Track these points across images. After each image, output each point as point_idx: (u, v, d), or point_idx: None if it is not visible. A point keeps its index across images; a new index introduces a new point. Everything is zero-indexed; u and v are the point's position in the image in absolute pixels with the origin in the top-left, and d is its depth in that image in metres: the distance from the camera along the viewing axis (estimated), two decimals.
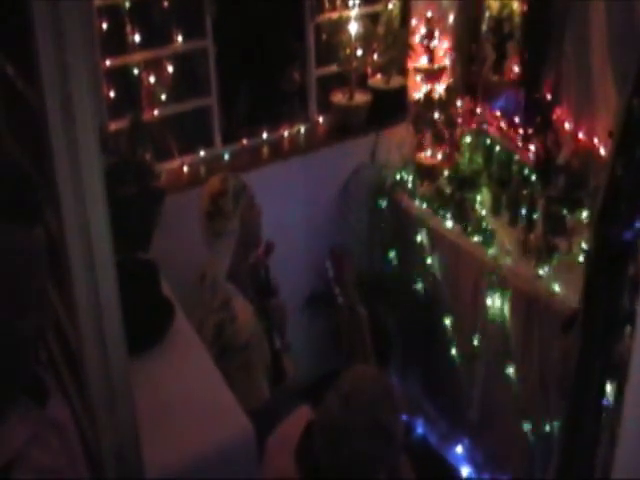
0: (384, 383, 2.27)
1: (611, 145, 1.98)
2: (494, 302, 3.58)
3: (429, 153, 4.22)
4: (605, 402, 2.24)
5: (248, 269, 3.22)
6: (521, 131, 4.04)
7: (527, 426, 3.49)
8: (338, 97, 4.23)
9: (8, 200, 1.17)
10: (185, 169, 3.87)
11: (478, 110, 4.26)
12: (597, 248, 2.03)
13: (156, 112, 3.76)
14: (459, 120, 4.26)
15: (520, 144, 4.03)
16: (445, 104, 4.25)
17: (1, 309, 1.17)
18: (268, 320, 3.21)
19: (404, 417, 4.01)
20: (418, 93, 4.31)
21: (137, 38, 3.66)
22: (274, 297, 3.30)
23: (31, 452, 1.31)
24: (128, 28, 3.64)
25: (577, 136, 3.82)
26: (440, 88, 4.30)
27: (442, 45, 4.30)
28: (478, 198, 3.94)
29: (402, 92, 4.34)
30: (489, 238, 3.71)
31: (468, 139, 4.20)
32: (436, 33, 4.26)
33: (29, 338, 1.23)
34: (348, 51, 4.13)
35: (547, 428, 3.38)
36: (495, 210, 3.90)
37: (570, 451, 2.21)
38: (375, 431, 2.14)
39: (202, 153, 3.95)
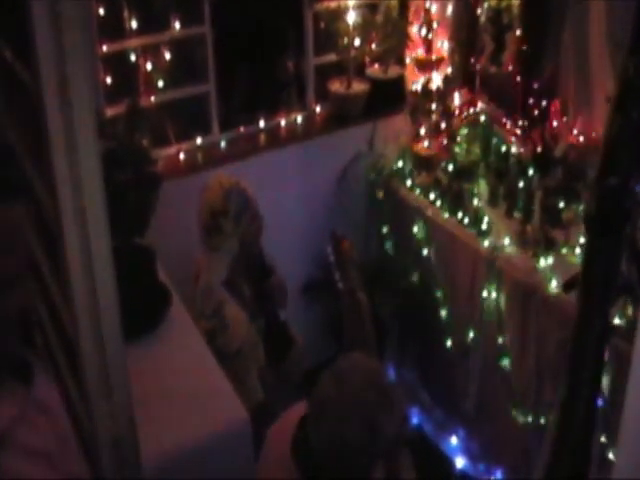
0: (383, 379, 2.24)
1: (610, 105, 2.00)
2: (490, 293, 3.57)
3: (426, 143, 4.21)
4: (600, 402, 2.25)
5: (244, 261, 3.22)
6: (519, 122, 4.03)
7: (522, 418, 3.50)
8: (336, 86, 4.22)
9: None
10: (182, 156, 3.86)
11: (476, 101, 4.25)
12: (596, 208, 2.05)
13: (153, 98, 3.74)
14: (457, 111, 4.25)
15: (518, 135, 4.02)
16: (443, 95, 4.24)
17: None
18: (269, 299, 3.21)
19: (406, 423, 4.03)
20: (416, 83, 4.30)
21: (134, 23, 3.64)
22: (272, 275, 3.29)
23: (17, 433, 1.29)
24: (125, 13, 3.62)
25: (575, 128, 3.82)
26: (438, 79, 4.29)
27: (440, 36, 4.29)
28: (475, 189, 3.93)
29: (400, 82, 4.33)
30: (486, 229, 3.70)
31: (465, 130, 4.19)
32: (434, 24, 4.24)
33: (10, 319, 1.21)
34: (346, 40, 4.11)
35: (542, 420, 3.39)
36: (492, 201, 3.89)
37: (567, 424, 2.22)
38: (362, 418, 2.12)
39: (199, 140, 3.93)
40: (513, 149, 3.98)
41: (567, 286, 3.00)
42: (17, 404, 1.30)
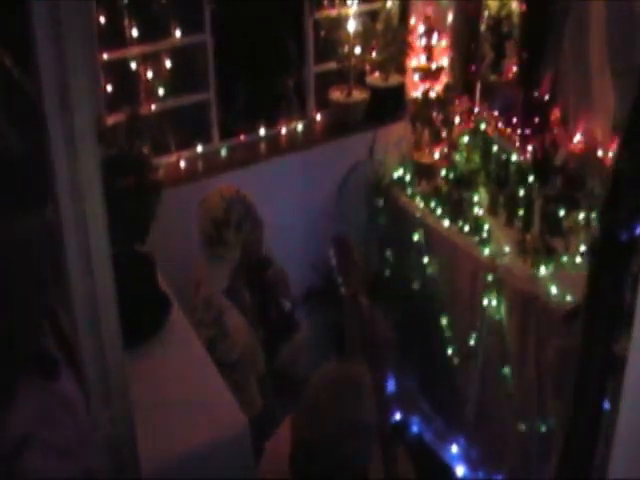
0: (346, 380, 2.21)
1: (618, 138, 2.00)
2: (491, 301, 3.57)
3: (427, 152, 4.22)
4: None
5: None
6: (519, 131, 4.03)
7: (522, 425, 3.49)
8: (336, 94, 4.23)
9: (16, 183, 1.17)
10: (182, 164, 3.86)
11: (476, 109, 4.26)
12: (602, 239, 2.05)
13: (154, 106, 3.75)
14: (457, 119, 4.25)
15: (518, 144, 4.02)
16: (443, 103, 4.25)
17: (15, 285, 1.16)
18: (270, 291, 3.21)
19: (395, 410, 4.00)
20: (416, 92, 4.31)
21: (135, 32, 3.65)
22: (270, 267, 3.28)
23: (42, 430, 1.29)
24: (126, 21, 3.63)
25: (575, 136, 3.82)
26: (438, 87, 4.30)
27: (441, 44, 4.29)
28: (475, 197, 3.93)
29: (400, 90, 4.34)
30: (486, 237, 3.70)
31: (466, 138, 4.20)
32: (435, 32, 4.25)
33: (39, 317, 1.22)
34: (347, 48, 4.12)
35: (542, 427, 3.38)
36: (492, 210, 3.89)
37: (572, 444, 2.22)
38: (346, 433, 2.11)
39: (199, 148, 3.93)
40: (513, 157, 3.98)
41: (569, 316, 2.99)
42: (42, 401, 1.30)
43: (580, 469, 2.23)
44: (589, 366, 2.17)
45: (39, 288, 1.21)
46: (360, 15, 4.16)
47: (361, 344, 2.80)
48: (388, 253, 4.25)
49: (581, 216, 3.59)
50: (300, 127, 4.22)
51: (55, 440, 1.32)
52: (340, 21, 4.12)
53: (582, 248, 3.49)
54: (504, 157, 4.02)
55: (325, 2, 4.16)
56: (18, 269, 1.17)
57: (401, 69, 4.34)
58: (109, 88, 3.60)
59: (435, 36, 4.25)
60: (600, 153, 3.65)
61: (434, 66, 4.30)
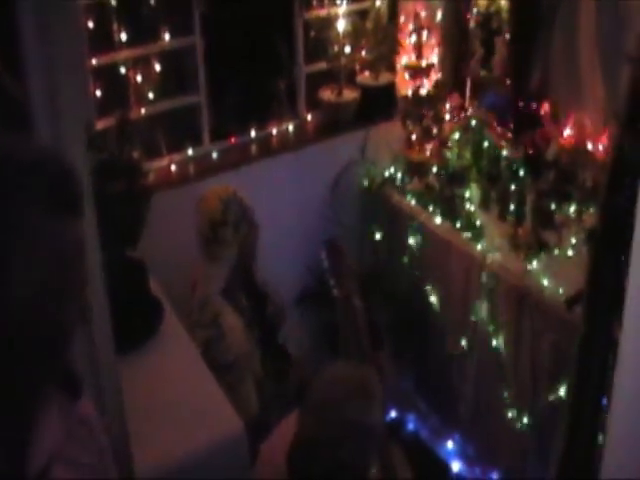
0: (352, 381, 2.21)
1: (613, 126, 2.01)
2: (484, 296, 3.58)
3: (418, 149, 4.22)
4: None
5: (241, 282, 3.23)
6: (510, 126, 4.04)
7: (518, 420, 3.50)
8: (327, 94, 4.22)
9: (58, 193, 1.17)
10: (173, 167, 3.85)
11: (467, 106, 4.26)
12: (603, 222, 2.05)
13: (143, 110, 3.74)
14: (447, 116, 4.25)
15: (509, 139, 4.03)
16: (433, 100, 4.25)
17: (48, 295, 1.15)
18: (266, 326, 3.23)
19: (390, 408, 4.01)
20: (407, 90, 4.31)
21: (124, 35, 3.63)
22: (268, 303, 3.30)
23: (67, 447, 1.29)
24: (115, 25, 3.62)
25: (565, 130, 3.83)
26: (429, 84, 4.30)
27: (430, 42, 4.29)
28: (467, 194, 3.94)
29: (391, 88, 4.33)
30: (479, 233, 3.71)
31: (457, 135, 4.20)
32: (424, 30, 4.25)
33: (67, 333, 1.22)
34: (337, 48, 4.11)
35: (537, 423, 3.39)
36: (484, 205, 3.90)
37: (573, 437, 2.22)
38: (351, 435, 2.12)
39: (190, 151, 3.92)
40: (504, 153, 3.99)
41: (570, 301, 3.00)
42: (66, 419, 1.31)
43: (583, 468, 2.23)
44: (590, 352, 2.17)
45: (71, 305, 1.20)
46: (349, 14, 4.15)
47: (355, 345, 2.80)
48: (381, 251, 4.25)
49: (573, 209, 3.60)
50: (291, 128, 4.21)
51: (79, 456, 1.32)
52: (330, 21, 4.11)
53: (574, 241, 3.51)
54: (495, 153, 4.03)
55: (314, 2, 4.15)
56: (53, 279, 1.17)
57: (391, 68, 4.34)
58: (98, 93, 3.59)
59: (425, 34, 4.25)
60: (591, 146, 3.66)
61: (424, 64, 4.30)
